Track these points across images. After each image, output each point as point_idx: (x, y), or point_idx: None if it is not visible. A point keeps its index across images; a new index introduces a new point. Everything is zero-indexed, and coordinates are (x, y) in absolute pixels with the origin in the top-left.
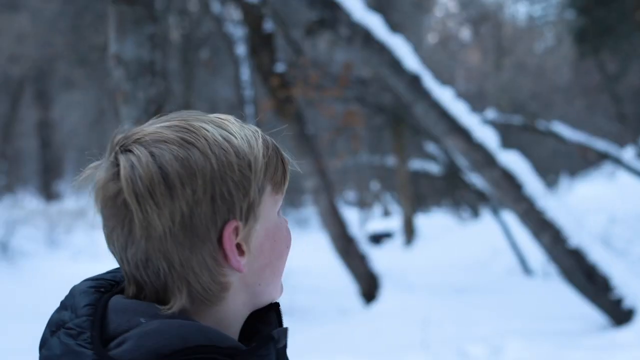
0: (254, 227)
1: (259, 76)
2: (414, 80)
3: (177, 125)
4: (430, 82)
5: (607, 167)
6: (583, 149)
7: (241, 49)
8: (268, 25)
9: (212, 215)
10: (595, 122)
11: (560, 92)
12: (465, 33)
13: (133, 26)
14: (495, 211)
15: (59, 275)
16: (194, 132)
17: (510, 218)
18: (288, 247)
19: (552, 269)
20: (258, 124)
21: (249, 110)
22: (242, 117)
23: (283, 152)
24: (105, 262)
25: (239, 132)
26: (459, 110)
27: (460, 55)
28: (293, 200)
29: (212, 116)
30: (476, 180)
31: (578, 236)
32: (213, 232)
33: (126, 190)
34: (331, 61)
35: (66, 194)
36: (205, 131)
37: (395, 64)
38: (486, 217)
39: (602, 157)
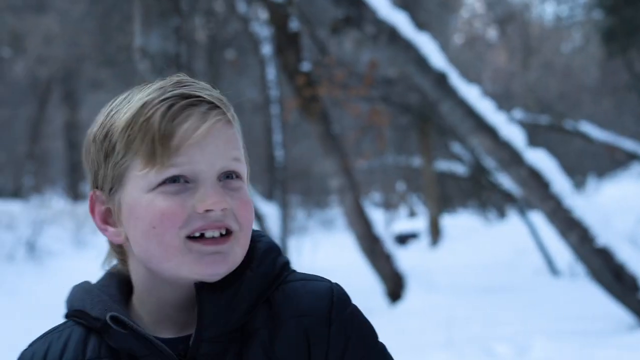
0: (115, 200)
1: (285, 75)
2: (440, 78)
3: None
4: (456, 80)
5: (635, 168)
6: (611, 149)
7: (267, 49)
8: (294, 24)
9: (90, 181)
10: (624, 122)
11: (587, 91)
12: (492, 33)
13: (159, 19)
14: (522, 211)
15: (85, 274)
16: (107, 105)
17: (537, 218)
18: (154, 226)
19: (579, 269)
20: (284, 123)
21: (274, 109)
22: (268, 117)
23: (163, 121)
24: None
25: (132, 98)
26: (485, 108)
27: (487, 55)
28: (319, 201)
29: (155, 82)
30: (503, 180)
31: (606, 235)
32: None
33: None
34: (357, 60)
35: None
36: (111, 103)
37: (421, 61)
38: (512, 218)
39: (630, 157)
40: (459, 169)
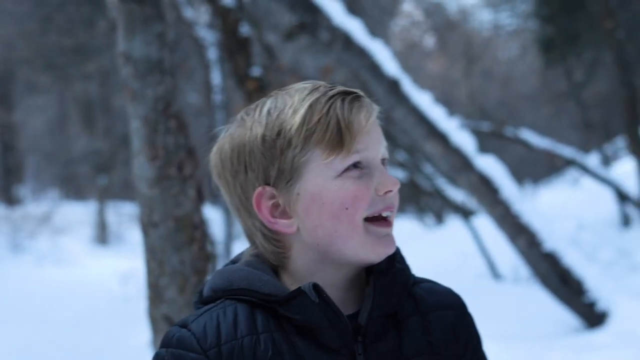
0: (292, 192)
1: (235, 80)
2: (394, 85)
3: (256, 103)
4: (409, 87)
5: (571, 174)
6: (551, 156)
7: (213, 53)
8: (244, 29)
9: (247, 182)
10: (562, 129)
11: (527, 99)
12: (430, 41)
13: (142, 25)
14: (465, 216)
15: (22, 280)
16: (251, 109)
17: (480, 223)
18: (346, 207)
19: (521, 274)
20: None
21: (219, 116)
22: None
23: (344, 112)
24: (70, 268)
25: (291, 101)
26: (437, 114)
27: (425, 63)
28: None
29: (292, 86)
30: (443, 186)
31: (552, 240)
32: (251, 198)
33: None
34: (301, 66)
35: (27, 198)
36: (260, 106)
37: (375, 68)
38: (451, 223)
39: (568, 164)
40: (399, 174)
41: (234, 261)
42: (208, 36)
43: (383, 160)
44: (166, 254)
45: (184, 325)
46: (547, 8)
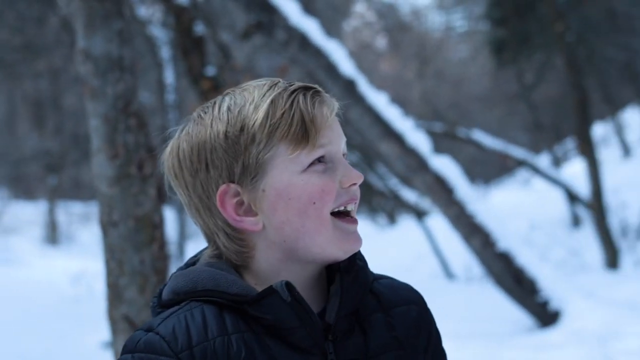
0: (258, 188)
1: (189, 79)
2: (350, 85)
3: (211, 100)
4: (365, 87)
5: (522, 175)
6: (503, 156)
7: (166, 52)
8: (199, 28)
9: (208, 180)
10: (513, 130)
11: (479, 101)
12: (382, 42)
13: (102, 22)
14: (418, 217)
15: None
16: (208, 107)
17: (433, 223)
18: (314, 202)
19: (474, 273)
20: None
21: (172, 115)
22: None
23: (307, 107)
24: (19, 268)
25: (251, 97)
26: (393, 115)
27: (377, 63)
28: None
29: (249, 84)
30: (395, 186)
31: (506, 240)
32: (214, 197)
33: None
34: (255, 66)
35: None
36: (219, 104)
37: (331, 68)
38: (404, 223)
39: (520, 164)
40: None
41: (190, 264)
42: (161, 35)
43: (344, 155)
44: (126, 254)
45: (149, 329)
46: (499, 10)
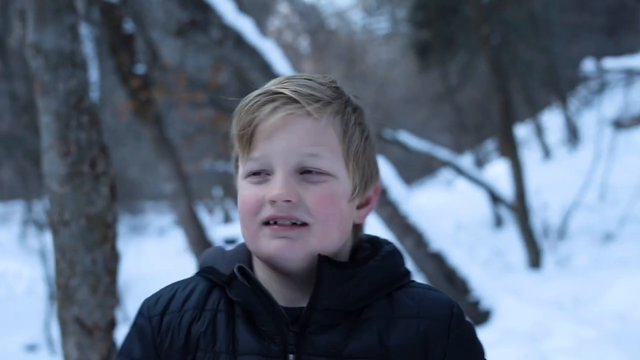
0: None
1: (119, 77)
2: None
3: None
4: None
5: (444, 176)
6: (429, 158)
7: (90, 49)
8: (128, 26)
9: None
10: (434, 131)
11: (404, 102)
12: (304, 43)
13: (53, 16)
14: None
15: None
16: None
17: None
18: (241, 211)
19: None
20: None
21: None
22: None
23: (254, 116)
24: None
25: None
26: None
27: (299, 65)
28: (129, 206)
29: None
30: None
31: (438, 240)
32: None
33: None
34: (183, 64)
35: None
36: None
37: (265, 67)
38: None
39: (444, 165)
40: None
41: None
42: (85, 31)
43: (307, 169)
44: (77, 254)
45: (158, 291)
46: (423, 13)
